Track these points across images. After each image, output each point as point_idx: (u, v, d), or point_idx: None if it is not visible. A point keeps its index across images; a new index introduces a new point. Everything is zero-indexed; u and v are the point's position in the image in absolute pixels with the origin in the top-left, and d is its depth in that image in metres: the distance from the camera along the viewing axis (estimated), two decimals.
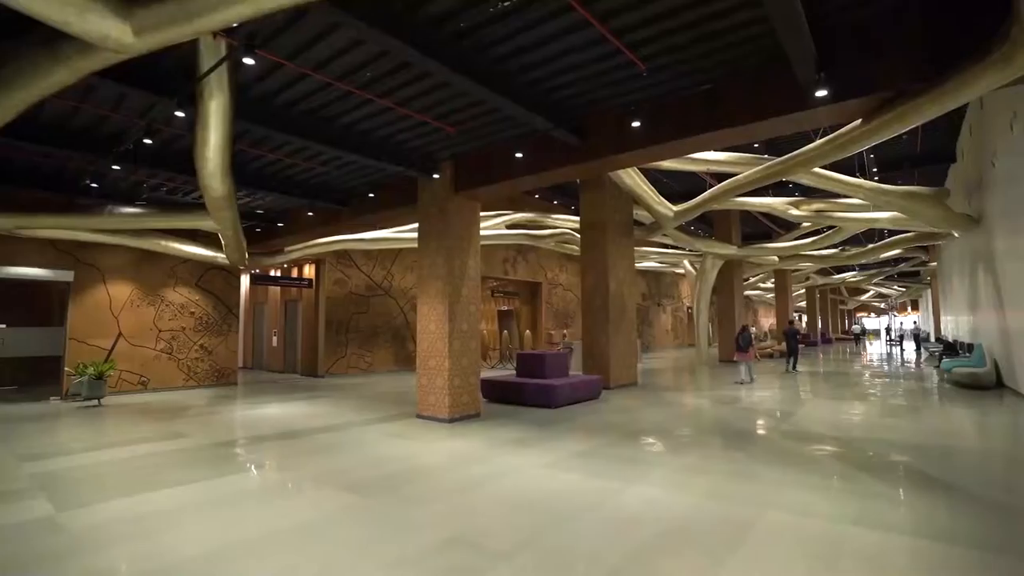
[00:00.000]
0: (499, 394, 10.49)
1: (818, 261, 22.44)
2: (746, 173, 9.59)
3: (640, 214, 14.43)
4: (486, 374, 10.91)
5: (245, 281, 17.21)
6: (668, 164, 11.93)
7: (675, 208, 11.36)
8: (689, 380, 14.48)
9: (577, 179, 12.63)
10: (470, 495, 4.84)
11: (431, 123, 7.55)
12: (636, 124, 6.59)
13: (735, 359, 14.34)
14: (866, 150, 17.14)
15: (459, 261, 8.85)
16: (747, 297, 47.21)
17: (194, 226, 10.39)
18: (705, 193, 10.53)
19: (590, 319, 12.77)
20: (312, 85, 6.49)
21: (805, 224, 17.83)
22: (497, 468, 5.79)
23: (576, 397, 10.13)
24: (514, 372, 10.92)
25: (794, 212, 15.19)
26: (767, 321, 47.98)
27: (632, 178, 10.65)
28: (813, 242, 16.76)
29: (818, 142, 7.31)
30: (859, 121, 6.06)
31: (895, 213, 14.28)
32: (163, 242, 11.38)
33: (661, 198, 11.36)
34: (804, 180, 12.07)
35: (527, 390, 9.96)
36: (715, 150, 9.01)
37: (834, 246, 28.18)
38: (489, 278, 21.64)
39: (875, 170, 18.13)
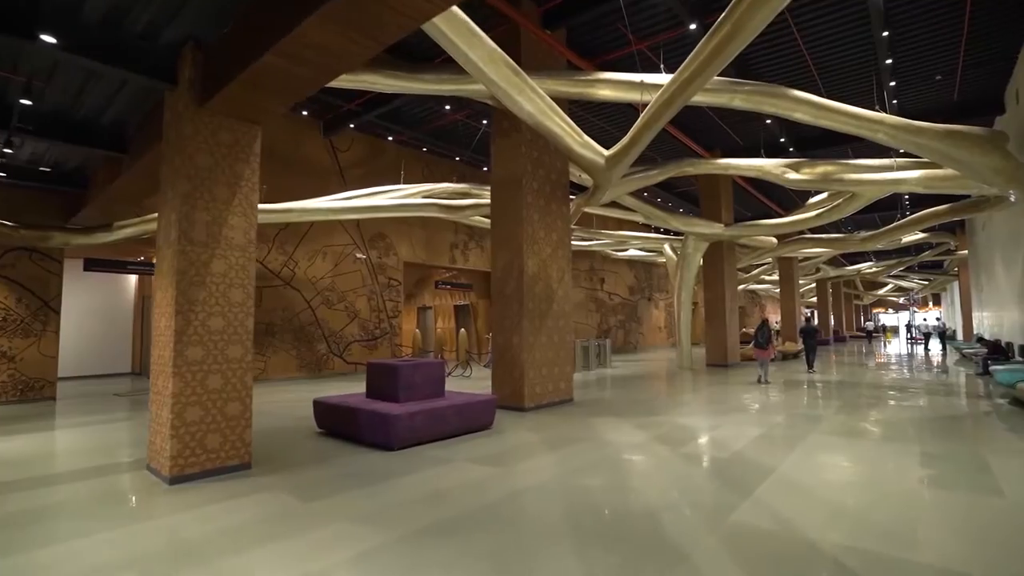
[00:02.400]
0: (332, 423, 6.86)
1: (826, 246, 18.28)
2: (681, 74, 5.78)
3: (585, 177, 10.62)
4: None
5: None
6: (604, 93, 8.19)
7: (606, 152, 7.57)
8: (652, 395, 10.62)
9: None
10: None
11: None
12: None
13: (753, 357, 12.37)
14: (888, 101, 13.09)
15: (206, 217, 5.20)
16: (752, 292, 42.76)
17: None
18: (638, 121, 6.70)
19: (499, 312, 9.05)
20: None
21: (814, 200, 13.78)
22: None
23: (440, 431, 6.43)
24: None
25: (792, 177, 11.28)
26: (773, 318, 43.31)
27: (535, 103, 6.87)
28: (818, 215, 12.74)
29: None
30: None
31: (925, 171, 10.26)
32: None
33: (587, 139, 7.57)
34: (800, 116, 8.19)
35: (361, 420, 6.31)
36: None
37: (845, 227, 23.87)
38: (435, 267, 18.00)
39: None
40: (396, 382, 6.68)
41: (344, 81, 7.59)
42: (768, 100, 8.01)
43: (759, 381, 11.85)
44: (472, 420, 6.90)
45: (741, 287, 35.27)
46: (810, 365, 15.09)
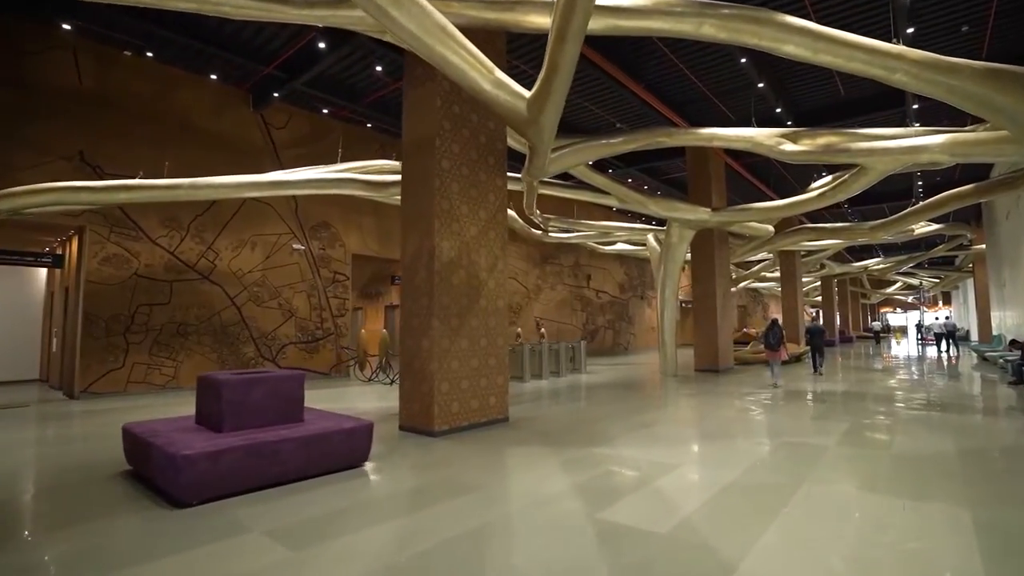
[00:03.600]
0: (136, 460, 4.90)
1: (830, 236, 16.09)
2: None
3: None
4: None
5: None
6: (536, 21, 6.20)
7: (527, 93, 5.54)
8: (613, 411, 8.57)
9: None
10: None
11: None
12: None
13: (766, 359, 11.64)
14: (904, 44, 10.89)
15: None
16: (754, 290, 40.43)
17: None
18: (551, 31, 4.64)
19: (407, 309, 7.05)
20: None
21: (817, 186, 11.63)
22: None
23: (276, 474, 4.44)
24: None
25: (788, 148, 9.29)
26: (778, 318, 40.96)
27: (419, 19, 4.84)
28: (820, 195, 10.58)
29: None
30: None
31: (952, 135, 8.17)
32: None
33: (501, 75, 5.52)
34: (792, 50, 6.12)
35: (153, 460, 4.35)
36: None
37: (849, 210, 21.53)
38: (392, 260, 16.05)
39: (915, 107, 11.85)
40: (220, 404, 4.70)
41: None
42: (749, 27, 5.94)
43: (775, 385, 10.94)
44: (332, 456, 4.90)
45: (742, 285, 33.01)
46: (816, 368, 13.76)
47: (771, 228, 14.21)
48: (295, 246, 12.94)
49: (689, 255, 15.04)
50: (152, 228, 10.78)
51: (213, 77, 11.16)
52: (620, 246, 20.77)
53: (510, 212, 13.71)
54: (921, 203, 12.77)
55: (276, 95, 11.34)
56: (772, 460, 5.24)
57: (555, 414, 8.08)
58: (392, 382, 11.90)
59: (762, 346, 18.96)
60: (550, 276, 20.38)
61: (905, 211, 13.27)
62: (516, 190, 11.76)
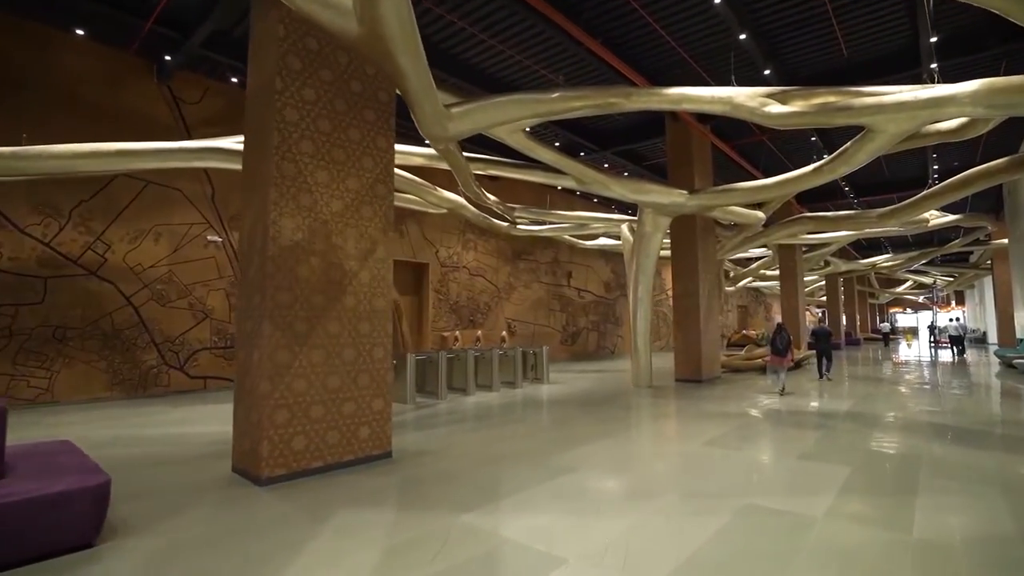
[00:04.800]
0: None
1: (833, 226, 13.93)
2: None
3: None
4: None
5: None
6: None
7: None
8: (544, 442, 6.57)
9: None
10: None
11: None
12: None
13: (770, 364, 10.63)
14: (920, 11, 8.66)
15: None
16: (756, 290, 38.04)
17: None
18: None
19: (241, 306, 5.17)
20: None
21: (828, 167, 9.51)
22: None
23: None
24: None
25: (776, 111, 7.34)
26: (780, 321, 38.44)
27: None
28: (816, 170, 8.48)
29: None
30: None
31: (989, 80, 6.11)
32: None
33: None
34: None
35: None
36: None
37: (856, 200, 19.20)
38: None
39: (934, 67, 9.71)
40: None
41: None
42: None
43: (781, 393, 10.06)
44: (20, 540, 3.01)
45: (741, 284, 30.74)
46: (822, 373, 12.59)
47: (761, 215, 12.10)
48: (210, 238, 11.09)
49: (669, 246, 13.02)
50: (19, 215, 8.98)
51: (80, 32, 9.28)
52: (603, 240, 18.71)
53: (458, 198, 11.77)
54: (943, 184, 10.60)
55: (168, 59, 9.50)
56: (721, 551, 3.23)
57: (462, 446, 6.10)
58: None
59: (757, 350, 16.88)
60: (524, 273, 18.37)
61: (921, 194, 11.11)
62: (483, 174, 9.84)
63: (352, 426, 5.23)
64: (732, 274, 28.42)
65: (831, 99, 7.04)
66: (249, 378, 4.87)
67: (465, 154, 9.59)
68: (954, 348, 21.20)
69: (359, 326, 5.37)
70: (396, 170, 9.78)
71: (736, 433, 6.54)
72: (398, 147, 9.73)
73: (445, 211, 11.98)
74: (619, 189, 9.93)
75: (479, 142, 12.34)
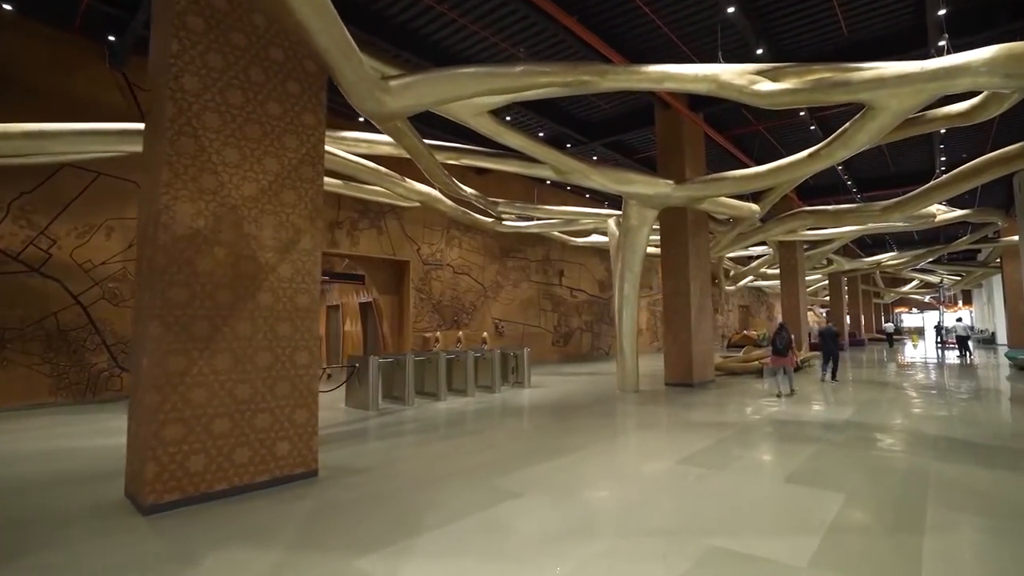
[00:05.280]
0: None
1: (832, 221, 13.11)
2: None
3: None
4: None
5: None
6: None
7: None
8: (493, 459, 5.83)
9: None
10: None
11: None
12: None
13: (771, 365, 10.34)
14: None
15: None
16: (758, 289, 37.13)
17: None
18: None
19: (136, 304, 4.60)
20: None
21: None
22: None
23: None
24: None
25: (766, 88, 6.63)
26: (781, 320, 37.42)
27: None
28: (811, 155, 7.68)
29: None
30: None
31: (1007, 46, 5.34)
32: None
33: None
34: None
35: None
36: None
37: (859, 196, 18.28)
38: None
39: (943, 43, 8.88)
40: None
41: None
42: None
43: (778, 395, 9.63)
44: None
45: (742, 283, 29.87)
46: (827, 374, 12.14)
47: (755, 206, 11.29)
48: None
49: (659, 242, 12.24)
50: None
51: (8, 8, 8.57)
52: (595, 238, 17.94)
53: (431, 191, 11.05)
54: (951, 173, 9.77)
55: (113, 39, 8.83)
56: None
57: (407, 461, 5.37)
58: None
59: (755, 352, 16.05)
60: (512, 272, 17.62)
61: (928, 184, 10.29)
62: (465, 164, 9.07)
63: (267, 441, 4.52)
64: (732, 273, 27.57)
65: (828, 74, 6.29)
66: (139, 389, 4.17)
67: (431, 141, 8.89)
68: (961, 348, 20.31)
69: (277, 327, 4.65)
70: (361, 160, 9.08)
71: (719, 448, 5.78)
72: (361, 135, 9.06)
73: (417, 204, 11.25)
74: (600, 179, 9.18)
75: (458, 132, 11.62)
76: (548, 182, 17.33)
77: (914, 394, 10.16)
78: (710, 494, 4.29)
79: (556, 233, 16.62)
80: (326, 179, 10.00)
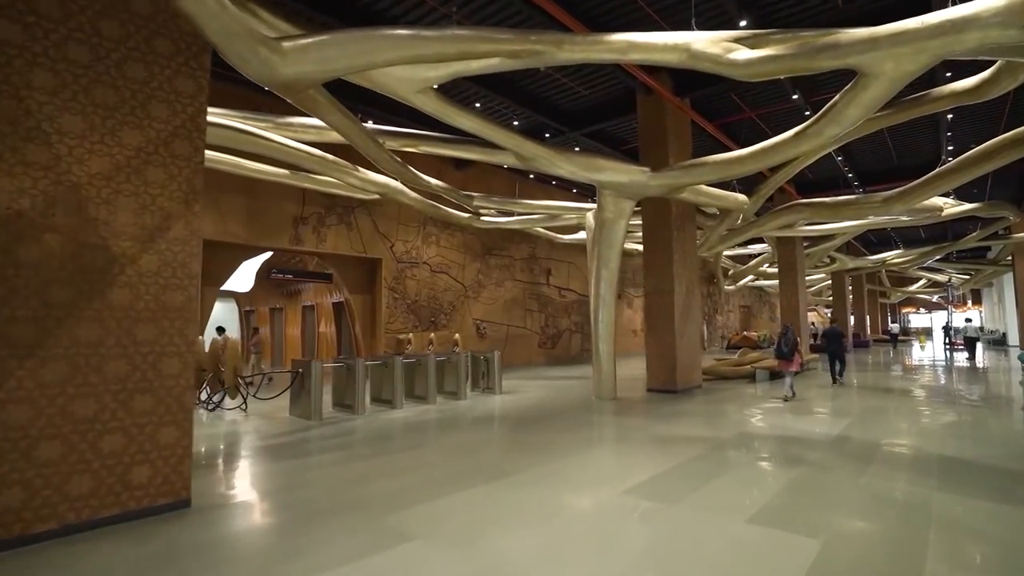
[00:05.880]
0: None
1: (830, 214, 12.15)
2: None
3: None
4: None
5: None
6: None
7: None
8: (416, 483, 4.99)
9: None
10: None
11: None
12: None
13: (779, 368, 9.91)
14: None
15: None
16: (759, 289, 36.01)
17: None
18: None
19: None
20: None
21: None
22: None
23: None
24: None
25: (743, 57, 5.75)
26: (787, 323, 36.13)
27: None
28: (799, 133, 6.78)
29: None
30: None
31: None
32: None
33: None
34: None
35: None
36: None
37: (861, 189, 17.19)
38: (273, 249, 12.77)
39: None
40: None
41: None
42: None
43: (785, 399, 9.18)
44: None
45: (742, 283, 28.84)
46: (835, 377, 11.66)
47: (743, 198, 10.37)
48: None
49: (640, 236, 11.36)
50: None
51: None
52: (583, 235, 17.03)
53: (391, 181, 10.23)
54: (958, 159, 8.83)
55: None
56: None
57: (311, 486, 4.55)
58: (244, 408, 8.71)
59: (749, 355, 15.11)
60: (495, 270, 16.77)
61: (934, 172, 9.34)
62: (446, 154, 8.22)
63: (117, 468, 3.72)
64: (732, 272, 26.56)
65: (812, 40, 5.43)
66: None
67: (376, 125, 8.07)
68: (971, 350, 19.23)
69: (136, 330, 3.85)
70: (304, 147, 8.28)
71: (680, 472, 4.90)
72: (308, 120, 8.25)
73: (377, 197, 10.43)
74: (568, 166, 8.32)
75: (419, 118, 10.79)
76: (531, 176, 16.49)
77: (918, 402, 9.20)
78: (648, 540, 3.42)
79: (540, 230, 15.76)
80: (273, 169, 9.25)
